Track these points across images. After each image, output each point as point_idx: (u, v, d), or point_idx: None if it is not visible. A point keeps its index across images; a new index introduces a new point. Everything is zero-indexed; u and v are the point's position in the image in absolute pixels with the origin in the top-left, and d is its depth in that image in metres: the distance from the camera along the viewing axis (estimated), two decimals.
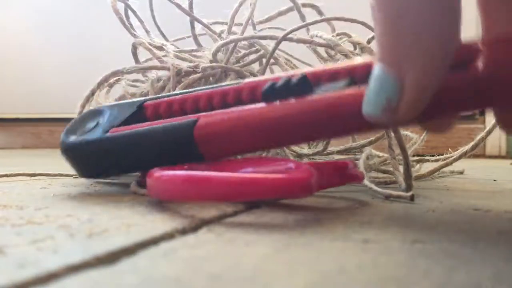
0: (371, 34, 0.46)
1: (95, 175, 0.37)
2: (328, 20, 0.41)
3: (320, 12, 0.52)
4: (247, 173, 0.29)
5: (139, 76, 0.51)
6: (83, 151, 0.35)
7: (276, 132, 0.31)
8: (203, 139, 0.32)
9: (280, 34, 0.44)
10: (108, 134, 0.34)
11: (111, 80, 0.48)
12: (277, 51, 0.47)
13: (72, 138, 0.35)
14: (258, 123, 0.31)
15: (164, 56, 0.47)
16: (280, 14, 0.51)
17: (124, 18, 0.49)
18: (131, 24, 0.49)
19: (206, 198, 0.27)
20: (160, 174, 0.29)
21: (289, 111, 0.30)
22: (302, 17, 0.51)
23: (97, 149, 0.34)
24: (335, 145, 0.51)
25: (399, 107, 0.23)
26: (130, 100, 0.38)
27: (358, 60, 0.34)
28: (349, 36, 0.46)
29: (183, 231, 0.23)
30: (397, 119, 0.24)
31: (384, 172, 0.46)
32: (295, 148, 0.48)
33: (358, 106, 0.26)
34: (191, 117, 0.33)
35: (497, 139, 1.23)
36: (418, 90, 0.23)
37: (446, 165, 0.47)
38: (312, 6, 0.52)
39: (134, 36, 0.49)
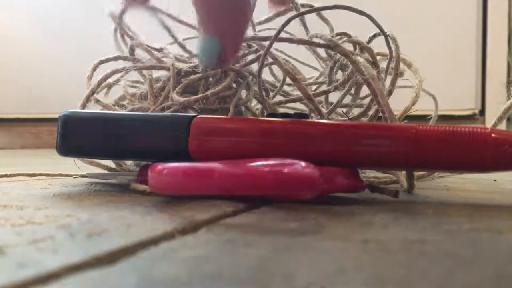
0: (372, 32, 0.46)
1: (78, 154, 0.38)
2: (337, 8, 0.41)
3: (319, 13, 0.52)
4: (251, 167, 0.29)
5: (139, 77, 0.51)
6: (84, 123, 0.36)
7: (268, 143, 0.32)
8: (197, 135, 0.33)
9: (281, 35, 0.44)
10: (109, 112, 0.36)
11: (111, 81, 0.48)
12: (276, 52, 0.47)
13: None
14: (253, 131, 0.33)
15: (163, 57, 0.47)
16: (278, 15, 0.51)
17: (120, 26, 0.49)
18: (129, 28, 0.49)
19: (208, 190, 0.27)
20: (162, 167, 0.29)
21: (283, 125, 0.33)
22: (302, 18, 0.51)
23: (96, 125, 0.36)
24: None
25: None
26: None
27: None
28: (349, 36, 0.46)
29: (183, 231, 0.23)
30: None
31: (385, 171, 0.46)
32: None
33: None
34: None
35: None
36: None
37: None
38: (311, 7, 0.52)
39: (132, 38, 0.49)
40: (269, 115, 0.35)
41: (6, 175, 0.44)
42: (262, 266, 0.18)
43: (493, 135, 0.31)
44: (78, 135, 0.36)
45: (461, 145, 0.31)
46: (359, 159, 0.33)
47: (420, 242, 0.22)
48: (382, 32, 0.44)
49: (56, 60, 1.58)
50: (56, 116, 0.37)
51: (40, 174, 0.46)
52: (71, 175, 0.47)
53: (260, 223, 0.26)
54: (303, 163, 0.27)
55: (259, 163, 0.29)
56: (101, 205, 0.30)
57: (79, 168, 0.44)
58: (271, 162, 0.29)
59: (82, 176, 0.46)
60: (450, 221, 0.27)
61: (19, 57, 1.62)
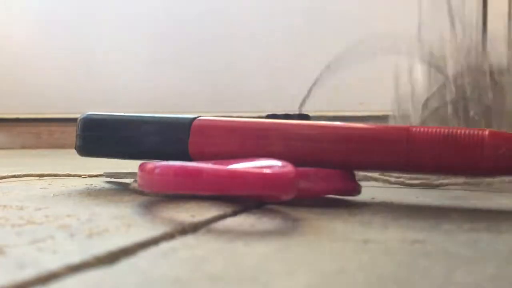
0: None
1: (96, 154, 0.39)
2: None
3: None
4: (230, 168, 0.29)
5: None
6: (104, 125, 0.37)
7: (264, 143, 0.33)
8: (197, 136, 0.33)
9: None
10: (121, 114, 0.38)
11: None
12: None
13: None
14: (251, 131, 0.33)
15: None
16: None
17: None
18: None
19: (197, 190, 0.27)
20: (153, 166, 0.29)
21: (282, 127, 0.33)
22: None
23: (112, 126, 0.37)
24: None
25: None
26: None
27: None
28: None
29: (183, 231, 0.23)
30: None
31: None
32: None
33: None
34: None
35: None
36: None
37: None
38: None
39: None
40: (269, 116, 0.35)
41: (14, 176, 0.44)
42: (262, 266, 0.18)
43: (489, 137, 0.30)
44: (96, 136, 0.37)
45: (455, 148, 0.30)
46: (352, 161, 0.32)
47: (420, 242, 0.22)
48: None
49: (57, 61, 1.58)
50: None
51: (48, 175, 0.46)
52: (80, 175, 0.47)
53: (260, 223, 0.26)
54: (280, 163, 0.27)
55: (241, 164, 0.29)
56: (101, 205, 0.30)
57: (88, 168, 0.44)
58: (250, 162, 0.29)
59: (90, 176, 0.46)
60: (450, 221, 0.27)
61: (19, 58, 1.61)
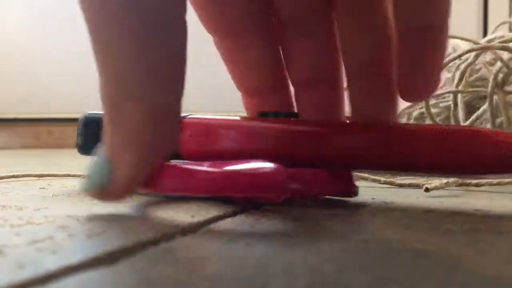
0: None
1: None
2: None
3: None
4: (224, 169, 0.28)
5: None
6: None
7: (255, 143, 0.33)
8: (187, 135, 0.34)
9: None
10: None
11: None
12: None
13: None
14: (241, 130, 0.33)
15: None
16: None
17: None
18: None
19: (191, 191, 0.27)
20: None
21: (270, 125, 0.33)
22: None
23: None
24: None
25: (112, 189, 0.25)
26: None
27: None
28: None
29: (183, 232, 0.23)
30: (112, 197, 0.26)
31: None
32: None
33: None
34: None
35: None
36: (127, 179, 0.25)
37: None
38: None
39: None
40: (262, 115, 0.35)
41: (14, 176, 0.44)
42: (262, 266, 0.18)
43: (490, 136, 0.29)
44: (97, 135, 0.37)
45: (455, 146, 0.30)
46: (348, 161, 0.32)
47: (421, 242, 0.22)
48: None
49: (56, 61, 1.58)
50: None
51: (48, 175, 0.46)
52: (79, 176, 0.47)
53: (260, 223, 0.25)
54: (270, 165, 0.27)
55: (233, 165, 0.29)
56: (101, 205, 0.30)
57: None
58: (242, 164, 0.29)
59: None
60: (450, 221, 0.27)
61: (18, 57, 1.62)
